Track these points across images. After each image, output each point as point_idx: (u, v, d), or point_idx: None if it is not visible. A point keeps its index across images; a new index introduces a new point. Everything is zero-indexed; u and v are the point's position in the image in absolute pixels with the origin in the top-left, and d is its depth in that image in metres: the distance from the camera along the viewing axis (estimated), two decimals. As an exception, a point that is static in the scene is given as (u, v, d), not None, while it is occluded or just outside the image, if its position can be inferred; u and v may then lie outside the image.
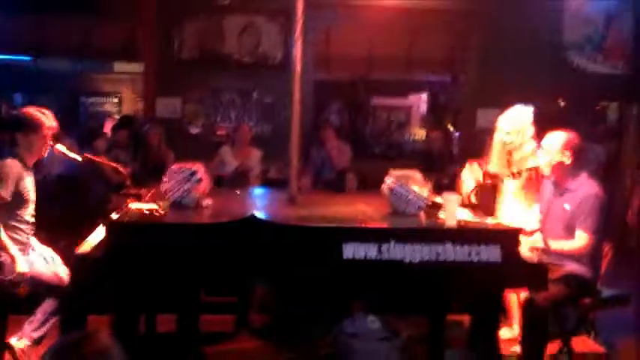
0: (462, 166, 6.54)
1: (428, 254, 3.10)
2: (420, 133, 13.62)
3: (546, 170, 3.88)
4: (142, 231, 3.15)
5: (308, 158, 7.19)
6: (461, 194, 4.20)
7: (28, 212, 3.76)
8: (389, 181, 3.57)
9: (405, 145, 12.29)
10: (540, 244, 3.67)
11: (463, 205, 4.26)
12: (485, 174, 4.32)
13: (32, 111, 3.80)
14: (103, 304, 3.60)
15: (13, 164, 3.65)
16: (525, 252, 3.36)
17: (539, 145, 3.97)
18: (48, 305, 3.80)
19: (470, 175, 4.41)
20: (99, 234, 3.46)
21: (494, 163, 4.23)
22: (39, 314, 3.80)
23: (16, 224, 3.68)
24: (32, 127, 3.73)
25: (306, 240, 3.14)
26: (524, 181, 4.16)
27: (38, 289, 3.72)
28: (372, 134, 12.39)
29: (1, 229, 3.57)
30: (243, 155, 6.74)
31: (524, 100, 4.35)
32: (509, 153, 4.16)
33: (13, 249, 3.59)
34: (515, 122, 4.16)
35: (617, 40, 8.46)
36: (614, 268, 4.12)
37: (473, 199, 4.27)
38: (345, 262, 3.07)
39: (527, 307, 3.60)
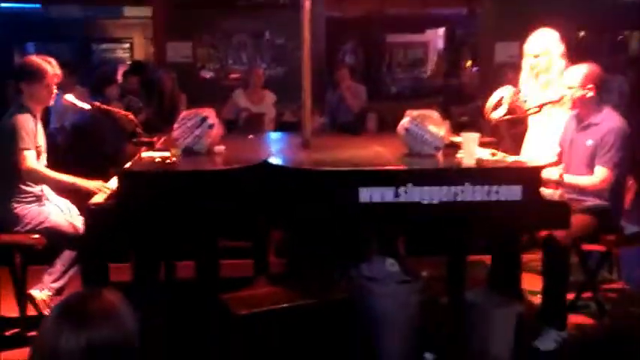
0: (482, 102, 6.42)
1: (446, 195, 3.03)
2: (438, 70, 13.38)
3: (568, 104, 3.75)
4: (153, 179, 3.10)
5: (323, 100, 7.08)
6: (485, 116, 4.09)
7: (41, 162, 3.73)
8: (405, 121, 3.47)
9: (422, 82, 12.07)
10: (555, 177, 3.57)
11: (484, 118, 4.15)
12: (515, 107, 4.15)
13: (36, 59, 3.73)
14: (121, 253, 3.61)
15: (23, 117, 3.60)
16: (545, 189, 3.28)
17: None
18: (67, 256, 3.80)
19: (504, 98, 4.18)
20: (111, 184, 3.44)
21: (525, 89, 4.11)
22: (58, 265, 3.81)
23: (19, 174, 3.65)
24: (36, 75, 3.66)
25: (321, 184, 3.08)
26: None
27: (56, 239, 3.72)
28: (388, 73, 12.18)
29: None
30: (256, 99, 6.64)
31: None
32: (539, 76, 4.04)
33: None
34: (541, 43, 4.04)
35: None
36: (637, 204, 4.03)
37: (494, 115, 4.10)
38: (362, 205, 3.01)
39: (548, 244, 3.52)
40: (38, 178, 3.66)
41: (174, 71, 7.01)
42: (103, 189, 3.42)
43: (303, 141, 3.80)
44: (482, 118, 4.35)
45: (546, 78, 4.04)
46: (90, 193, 3.40)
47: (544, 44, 4.04)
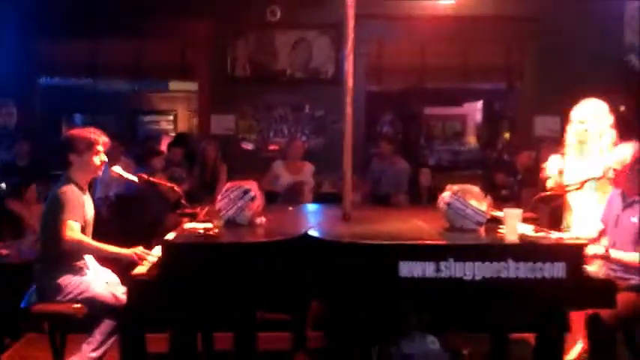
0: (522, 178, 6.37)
1: (489, 271, 3.00)
2: (475, 143, 13.41)
3: (614, 182, 3.72)
4: (195, 251, 3.14)
5: (362, 171, 7.14)
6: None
7: (87, 234, 3.80)
8: (446, 195, 3.47)
9: (460, 154, 12.09)
10: (600, 252, 3.50)
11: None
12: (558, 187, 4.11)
13: (81, 130, 3.84)
14: (161, 323, 3.61)
15: (70, 188, 3.68)
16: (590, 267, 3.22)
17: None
18: (106, 325, 3.81)
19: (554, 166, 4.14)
20: (155, 251, 3.48)
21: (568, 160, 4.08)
22: (97, 335, 3.81)
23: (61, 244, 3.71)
24: (85, 145, 3.74)
25: (361, 258, 3.08)
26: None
27: (96, 309, 3.75)
28: (426, 144, 12.24)
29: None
30: (296, 169, 6.74)
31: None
32: (584, 143, 4.01)
33: None
34: (588, 109, 4.02)
35: (680, 42, 8.13)
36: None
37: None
38: (402, 280, 2.99)
39: (593, 325, 3.43)
40: (79, 248, 3.70)
41: (217, 142, 7.18)
42: (143, 255, 3.47)
43: (344, 213, 3.82)
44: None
45: (595, 146, 3.98)
46: (131, 263, 3.45)
47: (591, 111, 4.02)
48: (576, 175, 3.99)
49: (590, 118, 4.02)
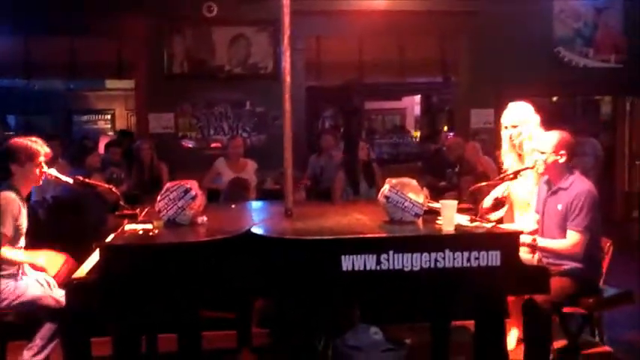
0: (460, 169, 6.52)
1: (427, 262, 3.07)
2: (415, 135, 13.64)
3: (540, 169, 3.85)
4: (135, 253, 3.11)
5: (303, 166, 7.17)
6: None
7: (20, 243, 3.74)
8: (385, 188, 3.53)
9: (400, 147, 12.27)
10: (528, 242, 3.63)
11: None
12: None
13: (25, 140, 3.77)
14: (103, 327, 3.56)
15: (10, 198, 3.63)
16: (523, 253, 3.33)
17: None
18: (46, 330, 3.75)
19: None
20: (94, 258, 3.43)
21: (507, 161, 4.21)
22: (38, 339, 3.75)
23: None
24: (27, 156, 3.71)
25: (304, 253, 3.10)
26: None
27: (35, 313, 3.68)
28: (367, 138, 12.37)
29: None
30: (239, 167, 6.71)
31: (517, 98, 4.34)
32: (520, 147, 4.14)
33: None
34: (517, 113, 4.16)
35: (607, 34, 8.46)
36: (617, 265, 4.08)
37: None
38: (344, 273, 3.04)
39: (529, 309, 3.55)
40: (7, 262, 3.68)
41: (153, 141, 7.10)
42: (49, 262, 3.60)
43: (285, 210, 3.84)
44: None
45: (528, 146, 4.13)
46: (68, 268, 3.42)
47: (520, 115, 4.16)
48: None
49: (522, 121, 4.15)
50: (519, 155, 4.17)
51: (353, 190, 6.46)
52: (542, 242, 3.69)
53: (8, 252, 3.66)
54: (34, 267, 3.83)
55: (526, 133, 4.13)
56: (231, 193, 5.88)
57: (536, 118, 4.17)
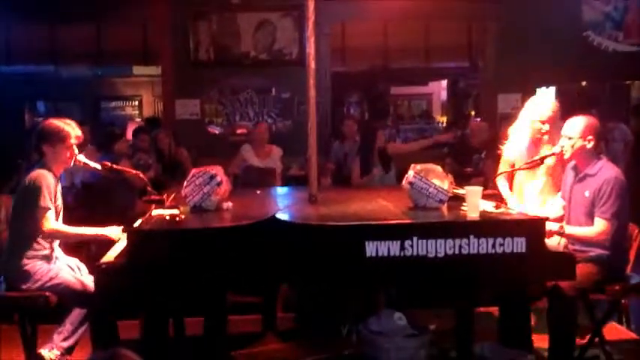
0: (486, 154, 6.47)
1: (451, 248, 3.07)
2: (442, 120, 13.55)
3: (567, 155, 3.81)
4: (162, 238, 3.15)
5: (329, 152, 7.17)
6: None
7: (59, 221, 3.80)
8: (409, 174, 3.53)
9: (427, 132, 12.22)
10: (555, 229, 3.61)
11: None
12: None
13: (57, 122, 3.82)
14: (131, 310, 3.63)
15: (44, 175, 3.69)
16: (549, 240, 3.31)
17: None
18: (76, 314, 3.83)
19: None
20: (122, 242, 3.49)
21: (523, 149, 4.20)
22: (68, 324, 3.83)
23: (39, 234, 3.71)
24: (59, 138, 3.75)
25: (328, 239, 3.12)
26: (550, 169, 4.10)
27: (66, 298, 3.75)
28: (393, 124, 12.34)
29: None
30: (264, 154, 6.73)
31: (545, 83, 4.30)
32: (541, 140, 4.12)
33: None
34: (549, 109, 4.12)
35: (637, 17, 8.29)
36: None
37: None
38: (368, 259, 3.05)
39: (554, 296, 3.53)
40: (60, 237, 3.78)
41: (171, 129, 7.19)
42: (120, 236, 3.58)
43: (310, 196, 3.86)
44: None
45: (549, 143, 4.09)
46: (97, 253, 3.46)
47: (551, 112, 4.12)
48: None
49: (551, 119, 4.11)
50: (535, 143, 4.14)
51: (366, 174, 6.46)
52: (569, 230, 3.66)
53: (61, 226, 3.75)
54: (67, 252, 3.91)
55: (551, 130, 4.10)
56: (248, 180, 5.93)
57: (561, 121, 4.15)
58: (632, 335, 4.26)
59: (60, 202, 3.83)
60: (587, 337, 3.81)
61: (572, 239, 3.70)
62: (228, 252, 3.12)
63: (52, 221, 3.67)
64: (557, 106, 4.18)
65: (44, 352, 3.76)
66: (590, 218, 3.66)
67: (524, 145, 4.21)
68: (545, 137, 4.12)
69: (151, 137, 7.06)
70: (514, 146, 4.26)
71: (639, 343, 4.24)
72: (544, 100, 4.19)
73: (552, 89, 8.78)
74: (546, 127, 4.12)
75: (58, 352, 3.77)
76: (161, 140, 6.99)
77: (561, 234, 3.62)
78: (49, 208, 3.64)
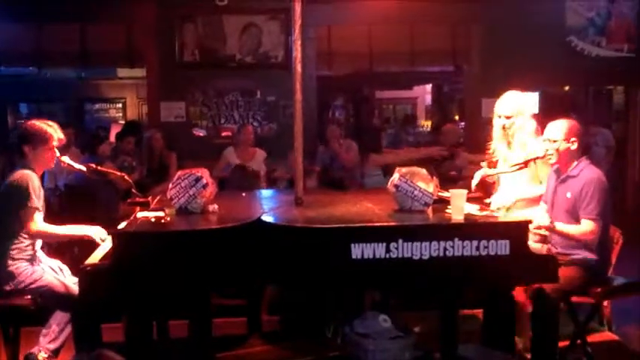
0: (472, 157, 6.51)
1: (436, 250, 3.09)
2: (426, 124, 13.61)
3: (553, 159, 3.84)
4: (148, 240, 3.15)
5: (314, 155, 7.18)
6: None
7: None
8: (394, 177, 3.55)
9: (412, 136, 12.28)
10: (545, 223, 3.62)
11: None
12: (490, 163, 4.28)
13: (39, 123, 3.81)
14: (115, 313, 3.62)
15: (30, 175, 3.68)
16: (532, 242, 3.34)
17: (542, 130, 3.95)
18: (62, 316, 3.80)
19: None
20: (106, 244, 3.48)
21: (497, 148, 4.22)
22: (54, 325, 3.80)
23: (24, 235, 3.69)
24: (40, 139, 3.75)
25: (314, 241, 3.13)
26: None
27: (49, 300, 3.72)
28: (378, 127, 12.37)
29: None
30: (248, 156, 6.73)
31: (529, 87, 4.32)
32: (512, 136, 4.13)
33: None
34: (512, 105, 4.13)
35: (620, 23, 8.38)
36: (626, 256, 4.09)
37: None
38: (354, 262, 3.06)
39: (537, 298, 3.57)
40: (46, 237, 3.79)
41: (163, 130, 7.14)
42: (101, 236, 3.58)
43: (296, 198, 3.86)
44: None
45: (521, 138, 4.12)
46: (80, 255, 3.45)
47: (515, 105, 4.13)
48: (506, 163, 4.13)
49: (516, 111, 4.12)
50: (509, 143, 4.16)
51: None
52: (559, 226, 3.68)
53: (48, 226, 3.72)
54: (49, 254, 3.88)
55: (519, 124, 4.11)
56: (235, 180, 5.91)
57: (530, 109, 4.15)
58: (614, 337, 4.30)
59: (42, 202, 3.81)
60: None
61: (556, 241, 3.73)
62: (214, 254, 3.12)
63: (40, 222, 3.67)
64: (523, 102, 4.17)
65: (38, 354, 3.73)
66: (572, 219, 3.70)
67: (503, 147, 4.23)
68: (510, 132, 4.12)
69: (145, 137, 7.00)
70: (496, 149, 4.29)
71: (621, 345, 4.28)
72: (507, 96, 4.19)
73: (536, 94, 8.87)
74: (510, 122, 4.11)
75: (46, 355, 3.75)
76: (157, 140, 6.90)
77: (552, 229, 3.65)
78: (38, 209, 3.63)
